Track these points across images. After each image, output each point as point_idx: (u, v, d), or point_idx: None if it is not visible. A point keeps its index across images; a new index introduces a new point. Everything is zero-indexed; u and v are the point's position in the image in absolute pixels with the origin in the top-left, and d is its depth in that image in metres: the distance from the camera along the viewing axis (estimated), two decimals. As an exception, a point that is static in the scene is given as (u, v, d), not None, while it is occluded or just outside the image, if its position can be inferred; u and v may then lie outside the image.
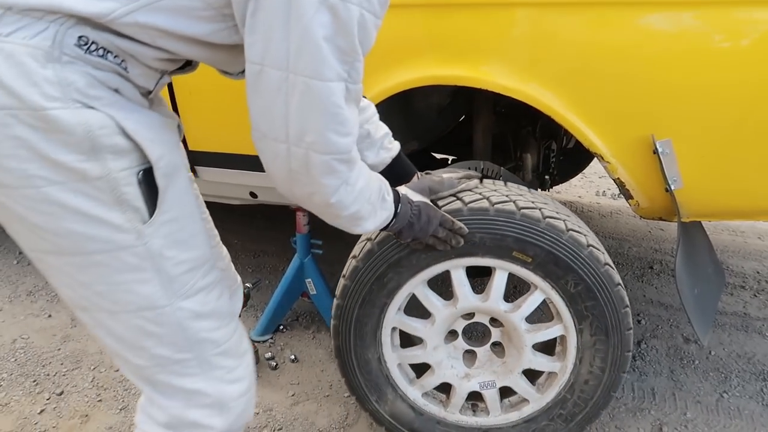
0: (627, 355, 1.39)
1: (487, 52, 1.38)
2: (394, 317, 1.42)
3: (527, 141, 1.89)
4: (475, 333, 1.50)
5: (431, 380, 1.49)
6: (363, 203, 0.96)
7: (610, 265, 1.34)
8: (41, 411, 1.77)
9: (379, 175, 1.05)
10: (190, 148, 1.83)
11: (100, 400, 1.81)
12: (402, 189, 1.17)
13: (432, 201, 1.26)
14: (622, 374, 1.41)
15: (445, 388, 1.53)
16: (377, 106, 1.46)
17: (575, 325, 1.37)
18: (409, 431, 1.52)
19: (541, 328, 1.41)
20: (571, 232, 1.30)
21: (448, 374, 1.48)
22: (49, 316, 2.24)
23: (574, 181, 3.48)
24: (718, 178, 1.35)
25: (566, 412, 1.46)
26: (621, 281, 1.35)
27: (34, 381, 1.90)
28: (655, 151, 1.32)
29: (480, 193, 1.34)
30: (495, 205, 1.30)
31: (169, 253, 0.85)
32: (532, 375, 1.48)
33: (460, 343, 1.49)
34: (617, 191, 3.11)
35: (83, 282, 0.84)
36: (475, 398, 1.52)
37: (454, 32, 1.39)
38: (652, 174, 1.37)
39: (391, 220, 1.08)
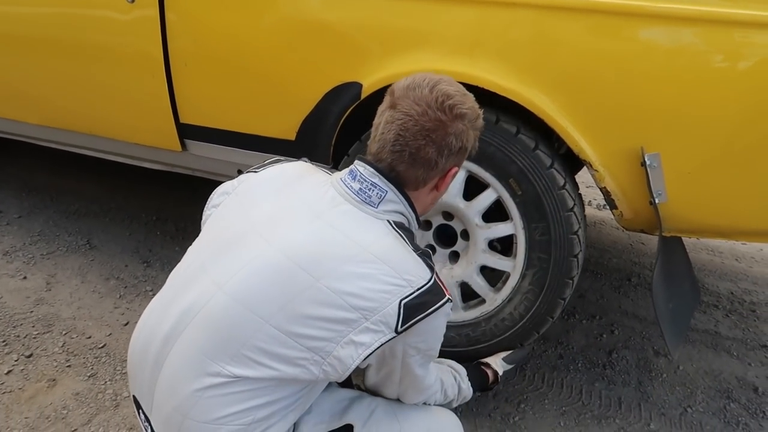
0: (547, 318, 1.52)
1: (486, 51, 1.38)
2: None
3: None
4: (444, 236, 1.63)
5: None
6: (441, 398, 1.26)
7: (576, 235, 1.44)
8: (8, 372, 1.75)
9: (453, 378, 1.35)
10: (181, 121, 1.81)
11: (68, 366, 1.80)
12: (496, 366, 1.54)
13: None
14: (535, 332, 1.56)
15: None
16: (373, 95, 1.45)
17: (522, 268, 1.50)
18: None
19: (495, 256, 1.56)
20: (563, 190, 1.42)
21: None
22: (24, 277, 2.21)
23: (562, 188, 3.51)
24: (702, 196, 1.37)
25: (474, 334, 1.61)
26: (580, 252, 1.45)
27: (4, 341, 1.87)
28: (643, 164, 1.33)
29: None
30: (520, 134, 1.41)
31: None
32: (467, 295, 1.63)
33: (428, 235, 1.65)
34: (603, 202, 3.13)
35: None
36: None
37: (455, 27, 1.39)
38: (638, 186, 1.38)
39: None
